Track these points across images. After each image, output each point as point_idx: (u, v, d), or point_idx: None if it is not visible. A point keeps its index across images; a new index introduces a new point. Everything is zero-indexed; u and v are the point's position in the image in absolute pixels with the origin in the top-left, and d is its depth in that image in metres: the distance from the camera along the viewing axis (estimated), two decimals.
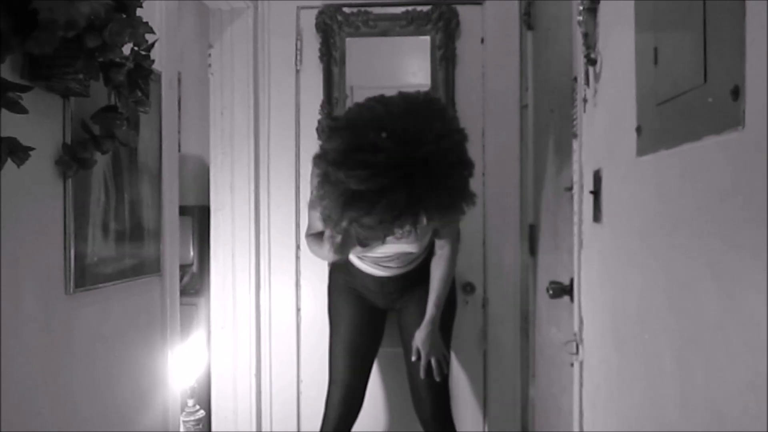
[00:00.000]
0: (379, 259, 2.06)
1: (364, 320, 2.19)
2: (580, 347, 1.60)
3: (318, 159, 1.44)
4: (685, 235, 0.95)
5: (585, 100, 1.55)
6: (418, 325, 2.11)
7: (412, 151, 1.34)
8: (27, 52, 1.12)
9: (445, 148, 1.37)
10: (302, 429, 2.59)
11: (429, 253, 2.13)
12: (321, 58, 2.53)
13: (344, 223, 1.42)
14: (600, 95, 1.44)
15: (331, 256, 1.77)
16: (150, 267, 1.73)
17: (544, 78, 2.20)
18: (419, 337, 2.09)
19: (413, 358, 2.11)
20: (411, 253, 2.04)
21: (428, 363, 2.09)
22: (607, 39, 1.39)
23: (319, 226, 1.85)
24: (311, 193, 1.69)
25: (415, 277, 2.13)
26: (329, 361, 2.19)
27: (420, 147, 1.35)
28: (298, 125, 2.58)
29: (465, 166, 1.46)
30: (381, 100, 1.45)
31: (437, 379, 2.09)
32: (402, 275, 2.12)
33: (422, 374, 2.09)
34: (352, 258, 2.11)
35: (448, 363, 2.14)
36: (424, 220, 1.43)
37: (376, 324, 2.25)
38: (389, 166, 1.32)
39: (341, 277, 2.23)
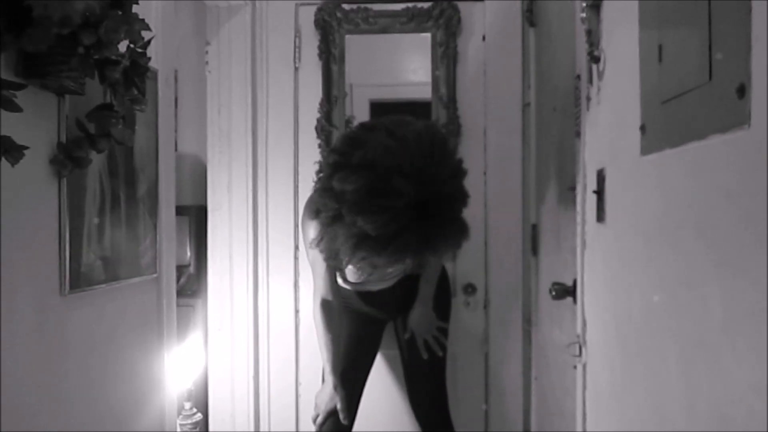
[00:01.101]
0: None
1: (361, 332, 2.18)
2: (583, 349, 1.60)
3: (328, 197, 1.38)
4: (690, 236, 0.95)
5: (588, 99, 1.55)
6: (415, 323, 2.12)
7: (429, 192, 1.33)
8: (21, 49, 1.12)
9: (456, 186, 1.38)
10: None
11: None
12: (320, 55, 2.53)
13: (353, 262, 1.41)
14: (603, 93, 1.44)
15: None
16: (146, 268, 1.73)
17: (547, 76, 2.20)
18: (413, 318, 2.10)
19: (406, 336, 2.12)
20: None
21: (426, 343, 2.10)
22: (610, 36, 1.39)
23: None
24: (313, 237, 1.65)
25: (412, 283, 2.13)
26: (324, 371, 2.19)
27: (435, 187, 1.34)
28: (296, 124, 2.58)
29: (465, 201, 1.46)
30: (391, 133, 1.38)
31: (439, 353, 2.09)
32: (399, 282, 2.12)
33: (423, 354, 2.08)
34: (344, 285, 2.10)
35: (446, 334, 2.15)
36: (431, 258, 1.44)
37: (373, 336, 2.24)
38: (406, 208, 1.31)
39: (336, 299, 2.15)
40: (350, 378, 2.13)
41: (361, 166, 1.33)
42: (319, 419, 2.05)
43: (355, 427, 2.17)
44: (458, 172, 1.41)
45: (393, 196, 1.29)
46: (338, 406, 2.01)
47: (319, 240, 1.48)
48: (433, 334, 2.12)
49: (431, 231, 1.35)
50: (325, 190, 1.40)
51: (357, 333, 2.17)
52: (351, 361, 2.15)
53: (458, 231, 1.43)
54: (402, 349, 2.20)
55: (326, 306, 2.01)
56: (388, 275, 2.04)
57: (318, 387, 2.21)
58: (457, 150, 1.61)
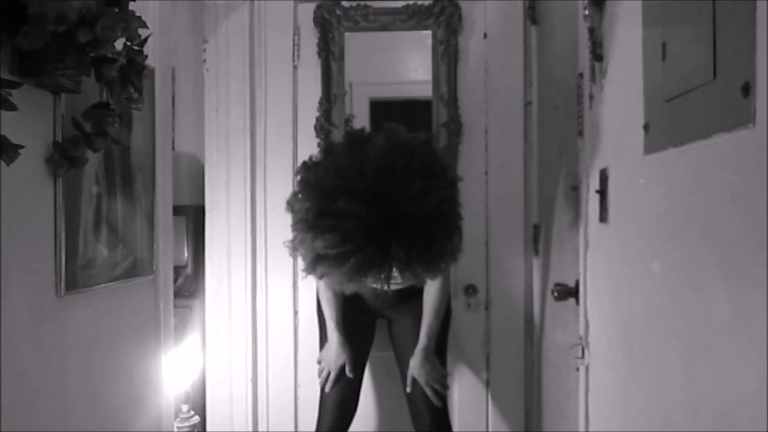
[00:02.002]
0: None
1: (355, 324, 2.19)
2: (585, 351, 1.60)
3: (290, 208, 1.48)
4: (694, 236, 0.95)
5: (591, 97, 1.55)
6: (410, 338, 2.13)
7: (385, 212, 1.34)
8: (16, 47, 1.12)
9: (423, 208, 1.37)
10: None
11: None
12: (319, 53, 2.53)
13: (317, 275, 1.47)
14: (606, 92, 1.44)
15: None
16: (143, 268, 1.73)
17: (549, 74, 2.20)
18: (413, 366, 2.10)
19: (408, 390, 2.12)
20: None
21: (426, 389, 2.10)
22: (613, 34, 1.39)
23: None
24: None
25: (411, 292, 2.14)
26: (328, 330, 2.19)
27: (394, 208, 1.34)
28: (295, 123, 2.58)
29: (448, 222, 1.45)
30: (361, 145, 1.44)
31: (437, 404, 2.09)
32: (400, 290, 2.12)
33: (437, 402, 2.09)
34: None
35: (446, 386, 2.15)
36: (398, 276, 1.45)
37: (367, 328, 2.25)
38: (358, 228, 1.33)
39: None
40: (353, 360, 2.14)
41: (312, 185, 1.41)
42: (332, 376, 2.13)
43: (354, 428, 2.18)
44: (431, 191, 1.40)
45: (340, 217, 1.33)
46: (346, 361, 2.11)
47: (293, 251, 1.54)
48: (435, 384, 2.10)
49: (394, 251, 1.37)
50: (290, 207, 1.49)
51: (349, 325, 2.18)
52: (352, 345, 2.16)
53: (433, 252, 1.43)
54: (402, 374, 2.19)
55: (331, 292, 2.10)
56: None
57: (316, 391, 2.21)
58: (449, 164, 1.59)
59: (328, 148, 1.59)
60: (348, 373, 2.12)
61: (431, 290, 2.10)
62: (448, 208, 1.45)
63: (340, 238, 1.34)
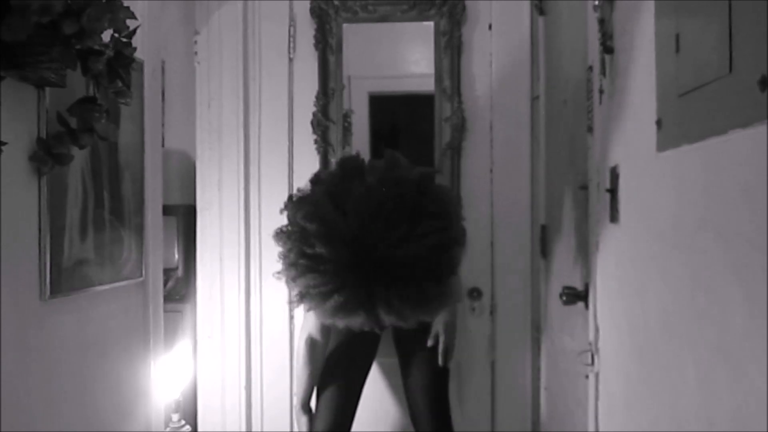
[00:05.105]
0: None
1: (357, 339, 2.19)
2: (595, 357, 1.61)
3: (277, 241, 1.55)
4: (709, 237, 0.95)
5: (601, 92, 1.55)
6: (417, 339, 2.13)
7: (368, 255, 1.38)
8: None
9: (408, 253, 1.39)
10: None
11: None
12: (316, 45, 2.53)
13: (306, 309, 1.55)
14: (617, 86, 1.44)
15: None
16: (131, 271, 1.73)
17: (557, 67, 2.20)
18: (442, 321, 2.10)
19: (430, 343, 2.11)
20: None
21: (434, 369, 2.11)
22: (624, 25, 1.39)
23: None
24: None
25: None
26: (318, 384, 2.19)
27: (374, 252, 1.37)
28: (291, 118, 2.58)
29: (439, 267, 1.47)
30: (352, 180, 1.49)
31: (440, 363, 2.11)
32: None
33: (440, 361, 2.10)
34: None
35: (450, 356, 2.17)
36: (385, 319, 1.48)
37: (368, 347, 2.24)
38: (338, 271, 1.39)
39: None
40: (345, 387, 2.15)
41: (294, 225, 1.49)
42: None
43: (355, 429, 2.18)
44: (418, 237, 1.41)
45: (318, 261, 1.40)
46: (302, 429, 2.15)
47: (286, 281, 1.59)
48: (449, 346, 2.13)
49: (378, 294, 1.41)
50: (277, 239, 1.58)
51: (351, 338, 2.17)
52: (345, 368, 2.16)
53: (420, 296, 1.44)
54: (404, 380, 2.20)
55: (312, 344, 2.12)
56: None
57: (312, 400, 2.21)
58: (450, 203, 1.60)
59: (315, 179, 1.62)
60: None
61: None
62: (439, 253, 1.46)
63: (320, 280, 1.41)
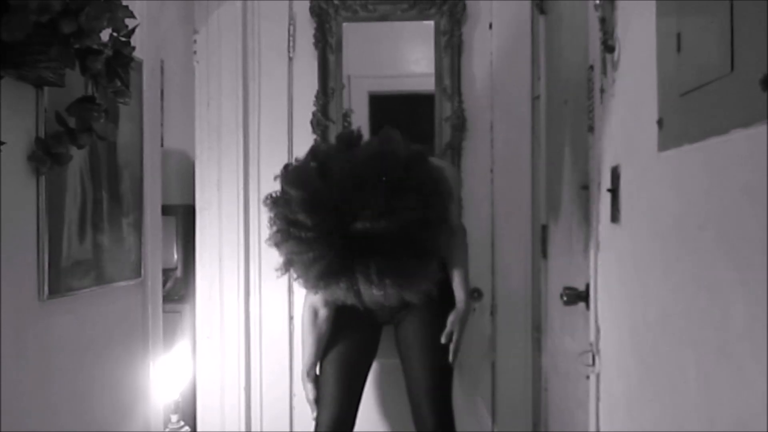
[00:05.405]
0: None
1: (358, 336, 2.19)
2: (596, 358, 1.61)
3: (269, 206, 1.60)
4: (711, 237, 0.95)
5: (602, 91, 1.55)
6: (419, 339, 2.14)
7: (345, 226, 1.43)
8: None
9: (385, 226, 1.41)
10: None
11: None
12: (316, 44, 2.53)
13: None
14: (618, 85, 1.44)
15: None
16: (130, 271, 1.73)
17: (558, 67, 2.20)
18: (454, 318, 2.12)
19: (443, 340, 2.12)
20: None
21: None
22: (626, 24, 1.39)
23: None
24: None
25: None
26: (318, 378, 2.19)
27: (353, 223, 1.41)
28: (290, 118, 2.58)
29: (417, 244, 1.48)
30: (319, 167, 1.53)
31: (450, 360, 2.13)
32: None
33: (451, 357, 2.12)
34: None
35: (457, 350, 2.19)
36: (365, 294, 1.50)
37: (370, 339, 2.25)
38: (319, 239, 1.44)
39: None
40: (347, 384, 2.15)
41: (283, 195, 1.53)
42: (313, 415, 2.18)
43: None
44: (395, 211, 1.43)
45: (300, 228, 1.45)
46: (309, 397, 2.17)
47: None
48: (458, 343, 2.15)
49: (358, 265, 1.44)
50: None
51: (352, 335, 2.18)
52: (347, 366, 2.17)
53: (399, 271, 1.46)
54: (407, 380, 2.20)
55: (314, 312, 2.13)
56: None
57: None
58: (441, 183, 1.61)
59: (311, 149, 1.65)
60: (312, 412, 2.15)
61: (451, 247, 2.12)
62: (419, 230, 1.47)
63: (302, 247, 1.45)
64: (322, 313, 2.13)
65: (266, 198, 1.59)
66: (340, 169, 1.48)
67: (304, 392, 2.21)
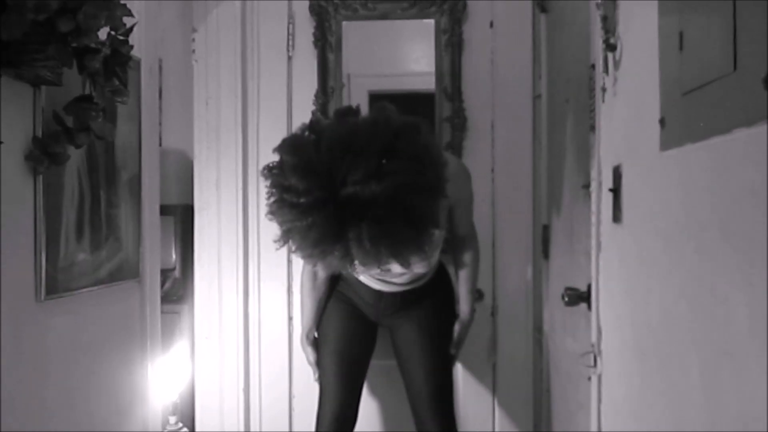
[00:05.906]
0: (383, 273, 2.06)
1: (355, 330, 2.20)
2: (598, 359, 1.60)
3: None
4: (714, 237, 0.95)
5: (604, 90, 1.55)
6: (417, 345, 2.15)
7: (336, 190, 1.41)
8: None
9: (373, 190, 1.41)
10: None
11: (435, 272, 2.17)
12: (315, 43, 2.53)
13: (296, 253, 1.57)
14: (620, 84, 1.44)
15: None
16: (128, 271, 1.73)
17: (559, 65, 2.20)
18: (460, 329, 2.17)
19: (452, 352, 2.18)
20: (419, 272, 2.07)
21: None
22: (628, 22, 1.39)
23: None
24: None
25: (413, 298, 2.14)
26: (318, 374, 2.19)
27: (343, 188, 1.41)
28: (290, 117, 2.58)
29: (408, 210, 1.48)
30: (312, 129, 1.53)
31: (452, 352, 2.17)
32: (402, 292, 2.12)
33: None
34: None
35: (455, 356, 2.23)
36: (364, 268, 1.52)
37: (368, 334, 2.25)
38: (311, 204, 1.42)
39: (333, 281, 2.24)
40: (347, 379, 2.16)
41: (278, 164, 1.51)
42: (315, 376, 2.22)
43: None
44: (385, 174, 1.43)
45: (292, 193, 1.43)
46: (309, 359, 2.21)
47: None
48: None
49: (350, 231, 1.43)
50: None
51: (350, 330, 2.20)
52: (346, 361, 2.17)
53: (392, 238, 1.46)
54: (407, 384, 2.20)
55: (312, 275, 2.18)
56: (398, 275, 2.06)
57: (314, 399, 2.21)
58: (433, 150, 1.61)
59: (311, 122, 1.65)
60: (314, 373, 2.20)
61: (462, 252, 2.18)
62: (409, 195, 1.46)
63: (296, 214, 1.42)
64: (321, 275, 2.16)
65: (263, 168, 1.60)
66: (330, 132, 1.49)
67: (303, 354, 2.25)
